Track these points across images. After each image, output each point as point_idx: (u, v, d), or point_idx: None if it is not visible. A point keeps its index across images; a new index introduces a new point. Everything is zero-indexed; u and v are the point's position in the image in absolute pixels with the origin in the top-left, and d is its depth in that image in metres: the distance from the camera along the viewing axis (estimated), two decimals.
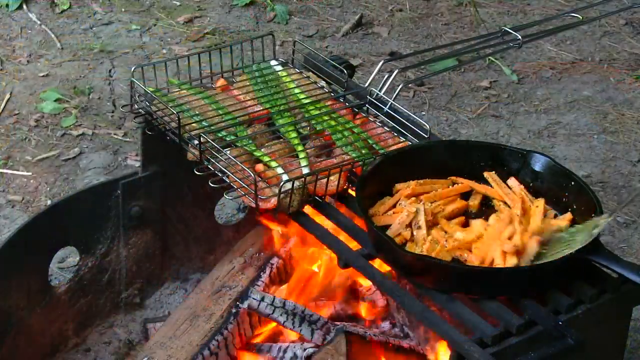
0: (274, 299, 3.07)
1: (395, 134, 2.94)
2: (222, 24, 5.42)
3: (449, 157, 2.80)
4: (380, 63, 3.13)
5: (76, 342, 3.38)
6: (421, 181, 2.73)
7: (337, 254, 2.64)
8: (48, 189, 4.22)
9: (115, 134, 4.54)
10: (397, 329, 3.23)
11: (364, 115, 3.04)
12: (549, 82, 5.03)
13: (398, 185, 2.72)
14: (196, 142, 2.83)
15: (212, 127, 2.92)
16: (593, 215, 2.56)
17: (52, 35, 5.22)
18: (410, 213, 2.58)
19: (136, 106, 3.05)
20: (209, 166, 2.81)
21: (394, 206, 2.67)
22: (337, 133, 2.92)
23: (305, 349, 3.01)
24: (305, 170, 2.77)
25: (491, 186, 2.74)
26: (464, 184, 2.74)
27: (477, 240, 2.52)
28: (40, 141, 4.48)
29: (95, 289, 3.39)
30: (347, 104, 3.09)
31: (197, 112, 2.97)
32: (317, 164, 2.82)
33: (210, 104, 3.01)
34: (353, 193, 2.71)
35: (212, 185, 2.75)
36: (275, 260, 3.30)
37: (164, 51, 5.14)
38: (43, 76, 4.91)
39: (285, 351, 3.04)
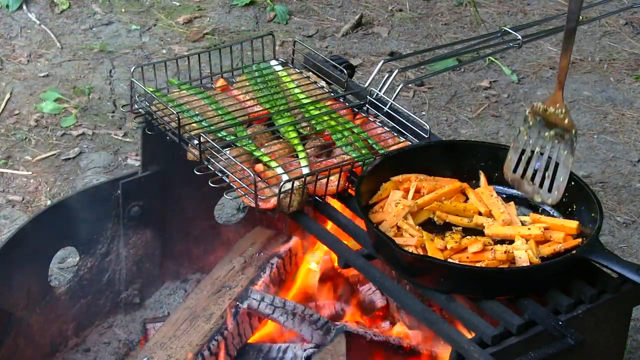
0: (274, 299, 3.08)
1: (395, 134, 2.94)
2: (222, 24, 5.42)
3: (448, 157, 2.80)
4: (380, 63, 3.13)
5: (76, 342, 3.39)
6: (421, 176, 2.74)
7: (337, 254, 2.64)
8: (48, 189, 4.22)
9: (115, 134, 4.54)
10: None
11: (364, 115, 3.04)
12: (549, 82, 5.03)
13: (393, 178, 2.74)
14: (196, 142, 2.83)
15: (212, 127, 2.92)
16: (593, 215, 2.56)
17: (52, 35, 5.22)
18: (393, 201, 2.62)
19: (136, 106, 3.05)
20: (209, 166, 2.81)
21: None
22: (337, 133, 2.92)
23: (305, 349, 3.01)
24: (305, 170, 2.77)
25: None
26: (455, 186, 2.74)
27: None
28: (40, 141, 4.48)
29: (95, 289, 3.39)
30: (347, 104, 3.09)
31: (197, 112, 2.97)
32: (317, 164, 2.82)
33: (210, 104, 3.01)
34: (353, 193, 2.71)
35: (212, 185, 2.75)
36: (275, 260, 3.30)
37: (164, 51, 5.15)
38: (43, 76, 4.91)
39: (285, 351, 3.04)
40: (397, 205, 2.61)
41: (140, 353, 3.16)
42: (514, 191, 2.76)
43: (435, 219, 2.65)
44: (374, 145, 2.89)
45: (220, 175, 2.78)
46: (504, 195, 2.75)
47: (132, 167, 4.30)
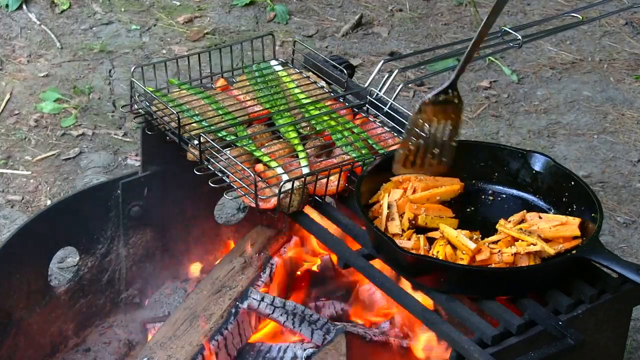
0: (274, 299, 3.07)
1: (395, 134, 2.94)
2: (222, 24, 5.42)
3: None
4: (380, 63, 3.13)
5: (76, 342, 3.38)
6: (421, 176, 2.74)
7: (337, 254, 2.64)
8: (48, 189, 4.22)
9: (115, 134, 4.54)
10: (397, 329, 3.22)
11: (364, 115, 3.04)
12: (549, 82, 5.03)
13: (393, 178, 2.73)
14: (196, 142, 2.83)
15: (212, 127, 2.92)
16: (593, 215, 2.56)
17: (52, 35, 5.22)
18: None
19: (136, 106, 3.05)
20: (209, 166, 2.81)
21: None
22: (337, 133, 2.92)
23: (305, 349, 3.01)
24: (305, 170, 2.77)
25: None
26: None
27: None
28: (40, 141, 4.48)
29: (95, 289, 3.39)
30: (347, 104, 3.09)
31: (197, 112, 2.97)
32: (317, 164, 2.82)
33: (210, 104, 3.01)
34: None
35: (212, 185, 2.75)
36: (275, 260, 3.30)
37: (164, 51, 5.15)
38: (43, 76, 4.91)
39: (285, 351, 3.04)
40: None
41: (140, 353, 3.16)
42: (514, 191, 2.77)
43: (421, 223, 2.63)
44: (374, 145, 2.89)
45: (220, 175, 2.78)
46: (504, 195, 2.76)
47: (132, 167, 4.30)
